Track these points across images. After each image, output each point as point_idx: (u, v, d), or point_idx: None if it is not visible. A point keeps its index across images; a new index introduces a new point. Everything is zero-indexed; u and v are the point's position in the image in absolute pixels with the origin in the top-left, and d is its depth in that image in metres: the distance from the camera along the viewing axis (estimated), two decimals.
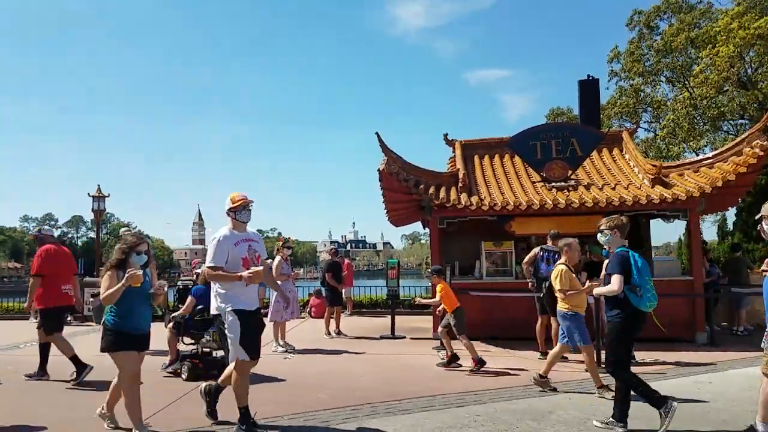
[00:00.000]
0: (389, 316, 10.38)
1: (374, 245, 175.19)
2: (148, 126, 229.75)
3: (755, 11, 17.63)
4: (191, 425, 4.60)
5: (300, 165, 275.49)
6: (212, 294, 4.59)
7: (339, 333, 10.23)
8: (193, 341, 7.01)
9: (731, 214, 19.64)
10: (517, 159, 11.29)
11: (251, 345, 4.37)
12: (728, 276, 10.65)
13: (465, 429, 4.50)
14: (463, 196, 9.75)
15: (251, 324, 4.43)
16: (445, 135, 12.40)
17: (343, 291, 12.08)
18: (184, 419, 4.77)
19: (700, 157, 10.23)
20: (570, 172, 10.15)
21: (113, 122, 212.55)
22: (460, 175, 10.26)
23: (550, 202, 9.29)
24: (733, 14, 17.25)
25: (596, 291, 4.87)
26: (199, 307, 6.90)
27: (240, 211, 4.57)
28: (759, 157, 8.69)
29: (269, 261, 8.64)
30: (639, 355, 7.52)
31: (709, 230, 26.73)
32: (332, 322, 10.27)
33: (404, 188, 9.50)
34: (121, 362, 4.23)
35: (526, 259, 8.11)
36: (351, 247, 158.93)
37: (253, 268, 4.33)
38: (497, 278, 9.79)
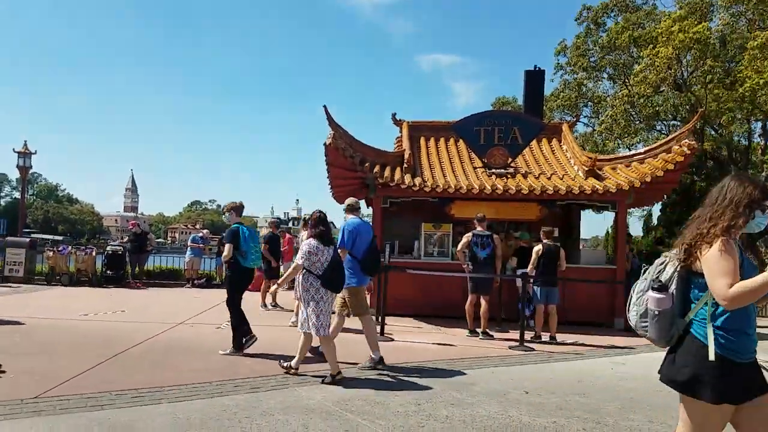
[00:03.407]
0: None
1: None
2: (82, 82, 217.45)
3: (695, 16, 18.55)
4: (112, 388, 4.53)
5: (243, 137, 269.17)
6: None
7: (275, 306, 10.20)
8: None
9: (656, 210, 20.93)
10: (461, 143, 11.52)
11: None
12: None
13: (392, 398, 4.65)
14: (407, 177, 9.88)
15: None
16: (394, 114, 12.50)
17: (283, 266, 12.02)
18: (105, 382, 4.69)
19: (633, 152, 10.78)
20: (510, 159, 10.47)
21: (45, 74, 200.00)
22: (406, 156, 10.38)
23: (489, 188, 9.57)
24: (674, 17, 18.04)
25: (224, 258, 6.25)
26: None
27: None
28: (686, 155, 9.27)
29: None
30: (560, 337, 7.95)
31: (635, 225, 28.27)
32: (268, 295, 10.21)
33: (350, 164, 9.51)
34: (705, 416, 2.29)
35: (459, 246, 8.32)
36: (294, 224, 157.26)
37: None
38: (434, 259, 10.04)
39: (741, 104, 17.23)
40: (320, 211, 5.39)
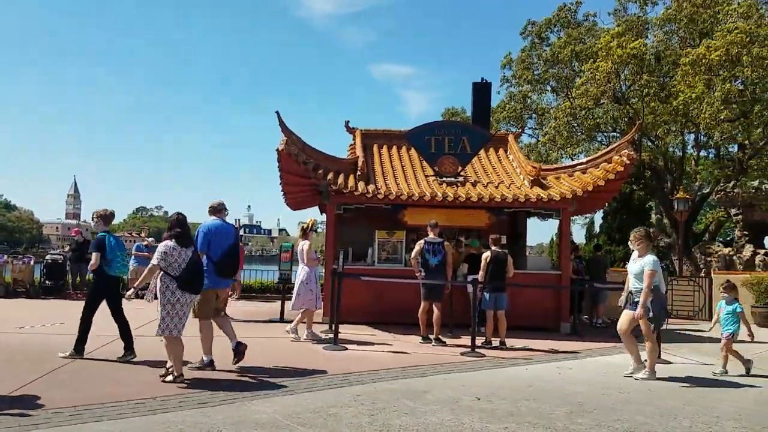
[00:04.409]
0: (279, 302, 10.25)
1: (269, 231, 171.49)
2: (21, 85, 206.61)
3: (632, 33, 19.50)
4: (49, 405, 4.26)
5: (193, 142, 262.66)
6: None
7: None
8: None
9: (598, 218, 21.77)
10: (413, 152, 11.63)
11: None
12: (590, 273, 11.79)
13: (345, 408, 4.60)
14: (361, 184, 9.88)
15: None
16: (347, 122, 12.49)
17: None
18: (41, 399, 4.42)
19: (575, 162, 11.18)
20: (460, 168, 10.64)
21: None
22: (359, 163, 10.38)
23: (440, 195, 9.70)
24: (613, 33, 18.87)
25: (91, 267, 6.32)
26: None
27: None
28: (626, 165, 9.70)
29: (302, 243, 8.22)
30: (509, 342, 8.11)
31: (578, 232, 29.28)
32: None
33: (303, 171, 9.41)
34: None
35: (413, 254, 8.37)
36: (245, 231, 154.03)
37: None
38: (387, 265, 10.04)
39: (675, 117, 18.20)
40: (179, 213, 5.52)
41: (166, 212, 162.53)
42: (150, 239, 16.53)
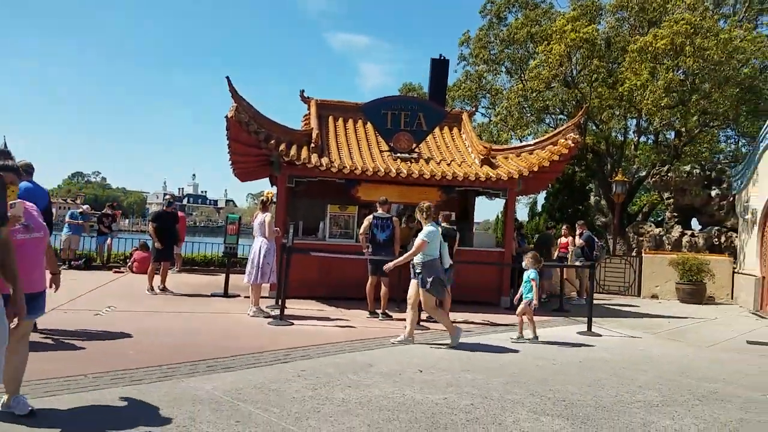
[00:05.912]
0: (224, 275, 10.04)
1: (215, 202, 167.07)
2: None
3: (586, 18, 19.87)
4: None
5: (135, 104, 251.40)
6: None
7: (164, 290, 9.62)
8: None
9: (541, 198, 22.40)
10: (369, 126, 11.50)
11: None
12: (538, 250, 12.13)
13: (288, 383, 4.59)
14: (314, 156, 9.71)
15: None
16: (302, 92, 12.22)
17: (177, 247, 11.42)
18: None
19: (524, 143, 11.39)
20: (414, 144, 10.65)
21: None
22: (313, 135, 10.17)
23: (394, 171, 9.71)
24: (568, 17, 19.17)
25: None
26: None
27: None
28: (570, 148, 9.99)
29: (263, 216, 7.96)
30: (452, 316, 8.29)
31: (522, 211, 30.04)
32: (156, 277, 9.63)
33: (253, 141, 9.13)
34: None
35: (361, 229, 8.39)
36: (189, 201, 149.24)
37: None
38: (338, 240, 9.99)
39: (620, 102, 18.78)
40: None
41: (104, 178, 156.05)
42: (85, 206, 15.83)
